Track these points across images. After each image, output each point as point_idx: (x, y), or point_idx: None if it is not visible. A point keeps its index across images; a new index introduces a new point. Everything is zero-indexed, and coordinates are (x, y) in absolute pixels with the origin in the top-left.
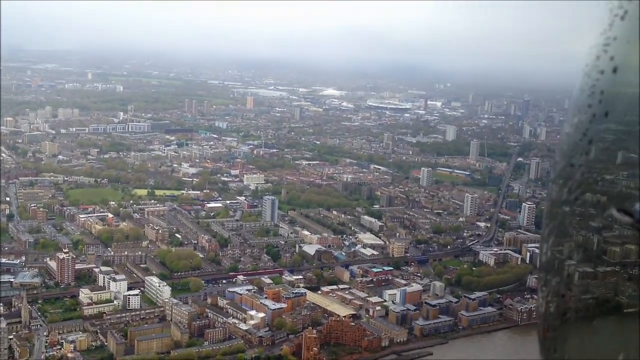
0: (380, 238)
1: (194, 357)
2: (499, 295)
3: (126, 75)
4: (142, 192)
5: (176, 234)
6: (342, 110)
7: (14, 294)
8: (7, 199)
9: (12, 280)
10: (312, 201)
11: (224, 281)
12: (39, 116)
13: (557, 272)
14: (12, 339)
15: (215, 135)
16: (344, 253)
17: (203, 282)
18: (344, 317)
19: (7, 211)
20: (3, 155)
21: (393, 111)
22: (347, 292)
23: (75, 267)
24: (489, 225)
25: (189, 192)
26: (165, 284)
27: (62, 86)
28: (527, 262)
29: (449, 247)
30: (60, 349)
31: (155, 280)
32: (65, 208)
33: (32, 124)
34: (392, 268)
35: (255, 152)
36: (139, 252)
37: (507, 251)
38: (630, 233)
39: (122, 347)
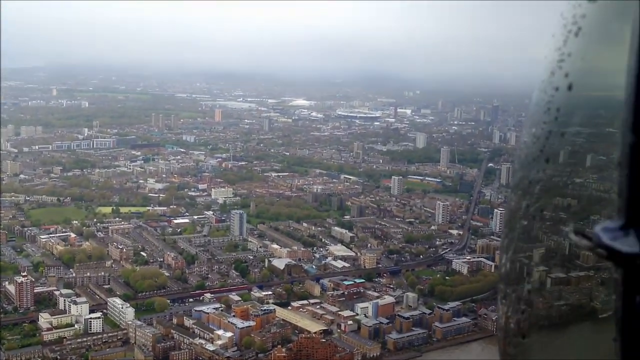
0: (351, 249)
1: None
2: (473, 305)
3: (92, 90)
4: (107, 209)
5: (141, 252)
6: (311, 120)
7: None
8: None
9: None
10: (281, 214)
11: (190, 300)
12: (1, 135)
13: (516, 285)
14: None
15: (182, 150)
16: (314, 266)
17: (169, 301)
18: (315, 333)
19: None
20: None
21: (363, 120)
22: (318, 306)
23: (35, 291)
24: (461, 232)
25: (155, 208)
26: (128, 305)
27: (25, 104)
28: (517, 270)
29: (421, 256)
30: None
31: (118, 301)
32: (26, 229)
33: None
34: (364, 280)
35: (223, 165)
36: (102, 273)
37: (480, 259)
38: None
39: None
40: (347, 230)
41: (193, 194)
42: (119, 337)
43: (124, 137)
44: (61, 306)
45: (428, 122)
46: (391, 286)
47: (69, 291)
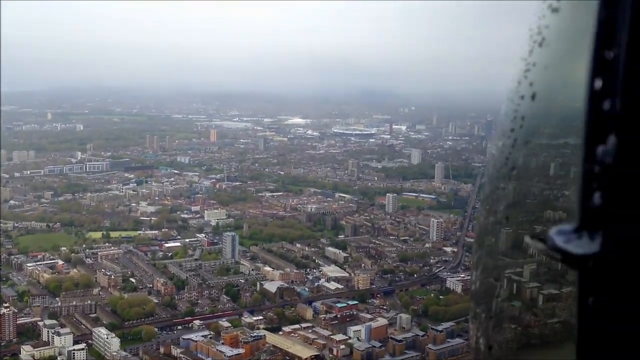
0: (345, 270)
1: None
2: (467, 324)
3: (88, 113)
4: (97, 234)
5: (130, 279)
6: (307, 138)
7: None
8: None
9: None
10: (275, 234)
11: (179, 327)
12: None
13: (486, 303)
14: None
15: (176, 171)
16: (307, 288)
17: (156, 329)
18: (306, 359)
19: None
20: None
21: (358, 137)
22: (310, 331)
23: (19, 322)
24: (455, 249)
25: (147, 232)
26: (114, 335)
27: (19, 128)
28: (504, 287)
29: (415, 275)
30: None
31: (103, 331)
32: (12, 257)
33: None
34: (357, 302)
35: (217, 186)
36: (89, 301)
37: None
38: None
39: None
40: (340, 251)
41: (186, 216)
42: None
43: (117, 160)
44: (44, 337)
45: (423, 138)
46: (385, 307)
47: (53, 322)
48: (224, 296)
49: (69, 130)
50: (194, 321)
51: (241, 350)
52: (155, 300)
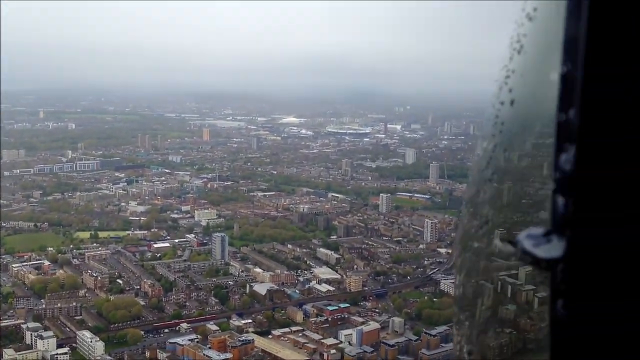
0: (337, 272)
1: None
2: None
3: (80, 112)
4: (85, 234)
5: (117, 280)
6: (300, 137)
7: None
8: None
9: None
10: (266, 235)
11: (166, 330)
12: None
13: (470, 310)
14: None
15: (167, 170)
16: (297, 291)
17: (142, 333)
18: None
19: None
20: None
21: (352, 136)
22: (300, 334)
23: (2, 324)
24: (450, 251)
25: (136, 232)
26: (98, 338)
27: (11, 127)
28: (498, 290)
29: (409, 277)
30: None
31: (87, 334)
32: None
33: None
34: (349, 305)
35: (208, 185)
36: (74, 303)
37: None
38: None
39: None
40: (332, 252)
41: (176, 216)
42: None
43: (108, 159)
44: (28, 341)
45: (418, 137)
46: (377, 310)
47: (37, 324)
48: (213, 298)
49: (61, 129)
50: (181, 324)
51: (229, 355)
52: (142, 303)
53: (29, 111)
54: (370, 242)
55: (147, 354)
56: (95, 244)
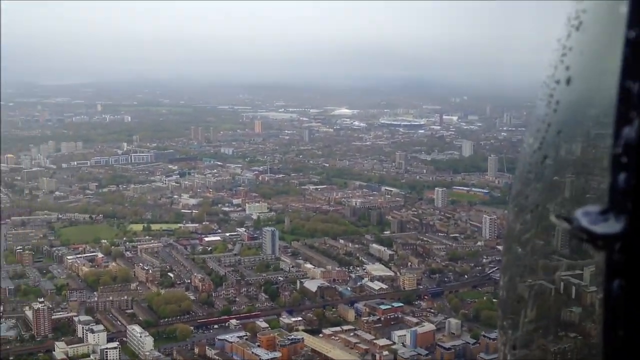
0: (390, 269)
1: None
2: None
3: (136, 105)
4: (138, 227)
5: (169, 273)
6: (353, 129)
7: None
8: None
9: None
10: (317, 230)
11: (215, 326)
12: (41, 151)
13: (514, 314)
14: None
15: (219, 163)
16: (349, 288)
17: (192, 328)
18: None
19: None
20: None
21: (407, 128)
22: (351, 334)
23: (55, 317)
24: None
25: (187, 225)
26: (147, 333)
27: (69, 119)
28: (561, 292)
29: (466, 276)
30: None
31: (137, 329)
32: (54, 249)
33: (34, 160)
34: (402, 304)
35: (260, 178)
36: (126, 296)
37: None
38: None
39: None
40: (386, 248)
41: (227, 209)
42: None
43: (162, 151)
44: (79, 334)
45: (475, 129)
46: (432, 310)
47: (88, 318)
48: (263, 294)
49: (117, 122)
50: (231, 320)
51: (277, 354)
52: (192, 297)
53: (87, 104)
54: (425, 238)
55: (196, 350)
56: (147, 237)
